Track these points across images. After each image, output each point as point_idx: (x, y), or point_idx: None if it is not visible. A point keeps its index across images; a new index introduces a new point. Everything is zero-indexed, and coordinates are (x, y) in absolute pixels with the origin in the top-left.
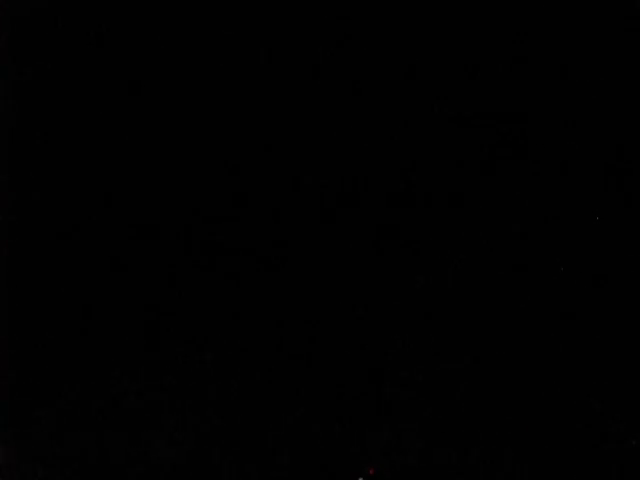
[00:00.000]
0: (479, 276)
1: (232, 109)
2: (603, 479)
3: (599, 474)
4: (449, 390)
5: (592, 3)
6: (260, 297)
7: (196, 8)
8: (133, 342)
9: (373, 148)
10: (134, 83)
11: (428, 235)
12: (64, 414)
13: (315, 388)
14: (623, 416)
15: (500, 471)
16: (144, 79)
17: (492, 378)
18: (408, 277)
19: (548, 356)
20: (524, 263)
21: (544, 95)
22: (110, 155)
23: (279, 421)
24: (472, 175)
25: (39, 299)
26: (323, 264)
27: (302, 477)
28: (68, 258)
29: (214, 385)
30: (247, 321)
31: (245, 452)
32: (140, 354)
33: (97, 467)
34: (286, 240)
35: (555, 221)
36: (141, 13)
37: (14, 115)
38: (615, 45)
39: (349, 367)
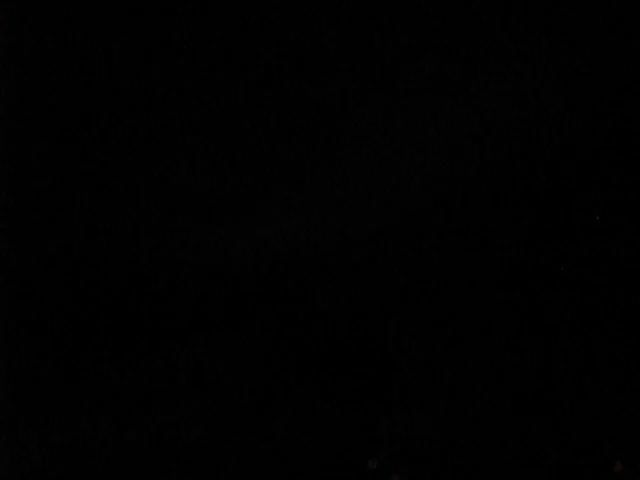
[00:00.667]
0: (490, 272)
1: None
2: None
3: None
4: (464, 377)
5: None
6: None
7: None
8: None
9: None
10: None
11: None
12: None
13: (330, 373)
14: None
15: (512, 457)
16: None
17: (506, 365)
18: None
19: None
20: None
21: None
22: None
23: (292, 405)
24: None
25: (45, 292)
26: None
27: (314, 461)
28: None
29: (227, 367)
30: (259, 309)
31: (258, 436)
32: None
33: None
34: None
35: (555, 221)
36: (141, 13)
37: (14, 115)
38: None
39: (364, 352)
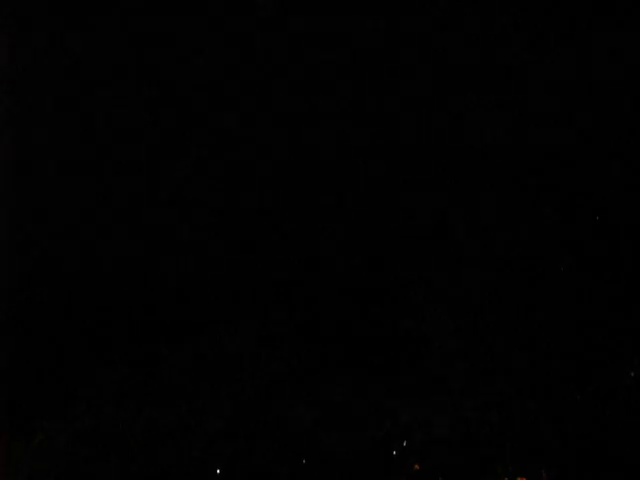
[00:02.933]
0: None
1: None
2: None
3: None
4: (487, 366)
5: None
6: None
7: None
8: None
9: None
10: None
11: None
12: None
13: (352, 363)
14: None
15: (534, 445)
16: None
17: (525, 355)
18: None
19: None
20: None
21: None
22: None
23: (312, 394)
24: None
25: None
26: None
27: (336, 451)
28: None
29: (249, 359)
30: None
31: (278, 426)
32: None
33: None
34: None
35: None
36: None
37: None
38: None
39: (386, 340)
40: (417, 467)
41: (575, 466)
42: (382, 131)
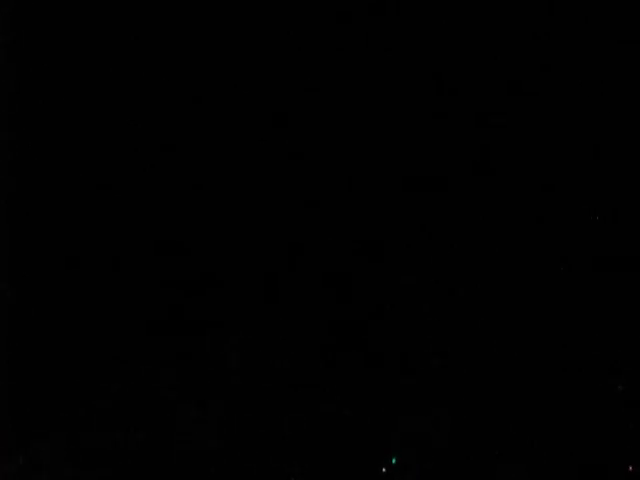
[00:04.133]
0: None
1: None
2: None
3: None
4: (481, 378)
5: None
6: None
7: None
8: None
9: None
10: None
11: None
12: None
13: (344, 376)
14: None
15: (528, 458)
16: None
17: (520, 368)
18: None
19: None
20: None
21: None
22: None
23: (306, 407)
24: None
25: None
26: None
27: (329, 463)
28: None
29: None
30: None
31: (270, 439)
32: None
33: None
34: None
35: (555, 220)
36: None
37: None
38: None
39: (379, 353)
40: None
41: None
42: (382, 131)
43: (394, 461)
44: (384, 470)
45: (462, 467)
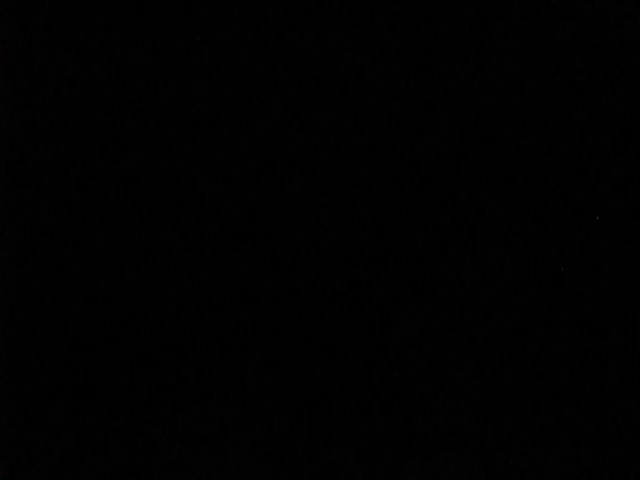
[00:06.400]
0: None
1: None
2: None
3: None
4: (486, 414)
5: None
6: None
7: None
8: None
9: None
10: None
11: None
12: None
13: (347, 418)
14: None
15: None
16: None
17: (530, 403)
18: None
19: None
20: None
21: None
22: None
23: (307, 452)
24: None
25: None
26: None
27: None
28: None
29: (228, 391)
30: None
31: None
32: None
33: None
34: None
35: (555, 220)
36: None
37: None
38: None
39: (384, 394)
40: None
41: None
42: (382, 131)
43: None
44: None
45: None
